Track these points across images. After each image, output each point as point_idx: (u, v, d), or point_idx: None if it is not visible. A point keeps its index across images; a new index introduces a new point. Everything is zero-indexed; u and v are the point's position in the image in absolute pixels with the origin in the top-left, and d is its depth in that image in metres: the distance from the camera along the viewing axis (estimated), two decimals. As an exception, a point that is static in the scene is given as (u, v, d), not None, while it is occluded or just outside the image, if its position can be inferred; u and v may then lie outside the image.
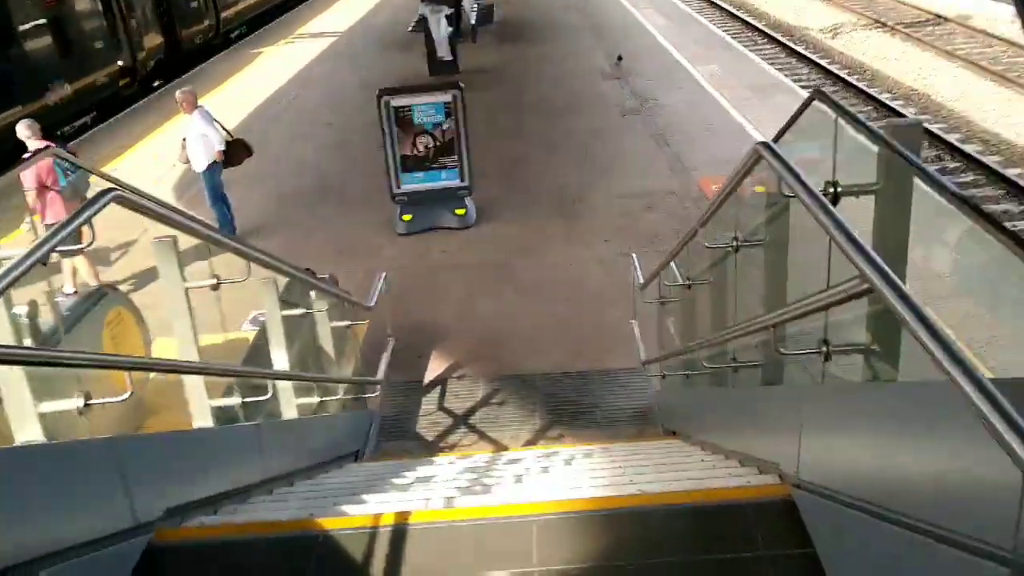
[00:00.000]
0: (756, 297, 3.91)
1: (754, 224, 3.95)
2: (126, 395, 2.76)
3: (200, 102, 10.11)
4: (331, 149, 13.82)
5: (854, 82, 18.18)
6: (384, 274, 7.55)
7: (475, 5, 22.41)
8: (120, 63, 17.90)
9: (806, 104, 3.48)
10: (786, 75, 17.77)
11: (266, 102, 17.11)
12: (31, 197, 8.17)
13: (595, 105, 15.10)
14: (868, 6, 25.63)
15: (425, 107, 10.01)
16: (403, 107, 9.98)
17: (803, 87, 17.13)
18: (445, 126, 10.09)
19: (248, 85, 18.71)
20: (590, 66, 17.83)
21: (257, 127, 15.23)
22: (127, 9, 18.10)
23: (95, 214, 2.62)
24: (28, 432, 3.09)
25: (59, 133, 15.46)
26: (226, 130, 10.13)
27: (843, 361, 2.85)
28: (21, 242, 9.06)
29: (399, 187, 10.36)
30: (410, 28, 20.50)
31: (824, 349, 2.74)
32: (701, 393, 5.23)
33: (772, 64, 19.21)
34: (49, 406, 2.99)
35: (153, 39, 19.44)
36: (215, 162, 9.88)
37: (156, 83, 19.37)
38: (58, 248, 2.45)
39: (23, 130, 8.68)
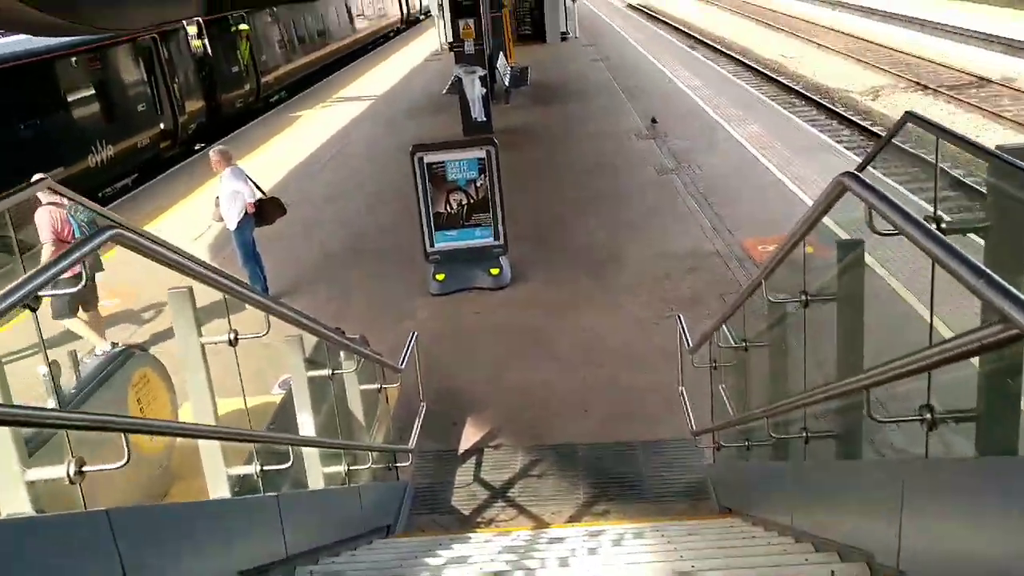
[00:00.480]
0: (828, 358, 3.51)
1: (822, 277, 3.57)
2: (122, 462, 2.42)
3: (235, 161, 9.99)
4: (366, 209, 13.68)
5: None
6: (415, 335, 7.21)
7: (508, 68, 22.53)
8: (161, 126, 18.11)
9: (898, 126, 3.13)
10: (828, 136, 17.47)
11: (303, 163, 17.14)
12: (47, 251, 7.95)
13: (631, 165, 14.87)
14: (908, 69, 25.41)
15: (459, 163, 9.79)
16: (437, 163, 9.77)
17: (847, 147, 16.84)
18: (479, 183, 9.86)
19: (286, 147, 18.81)
20: (625, 126, 17.68)
21: (294, 187, 15.20)
22: (170, 74, 18.39)
23: (91, 251, 2.32)
24: (15, 502, 2.75)
25: (99, 195, 15.56)
26: (259, 188, 9.98)
27: (945, 430, 2.45)
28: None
29: (432, 246, 10.10)
30: (444, 91, 20.60)
31: (928, 416, 2.33)
32: (763, 466, 4.77)
33: (813, 125, 18.95)
34: (36, 473, 2.66)
35: (195, 103, 19.71)
36: (246, 219, 9.72)
37: (197, 145, 19.58)
38: (49, 291, 2.14)
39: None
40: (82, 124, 15.35)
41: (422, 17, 46.81)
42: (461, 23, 16.46)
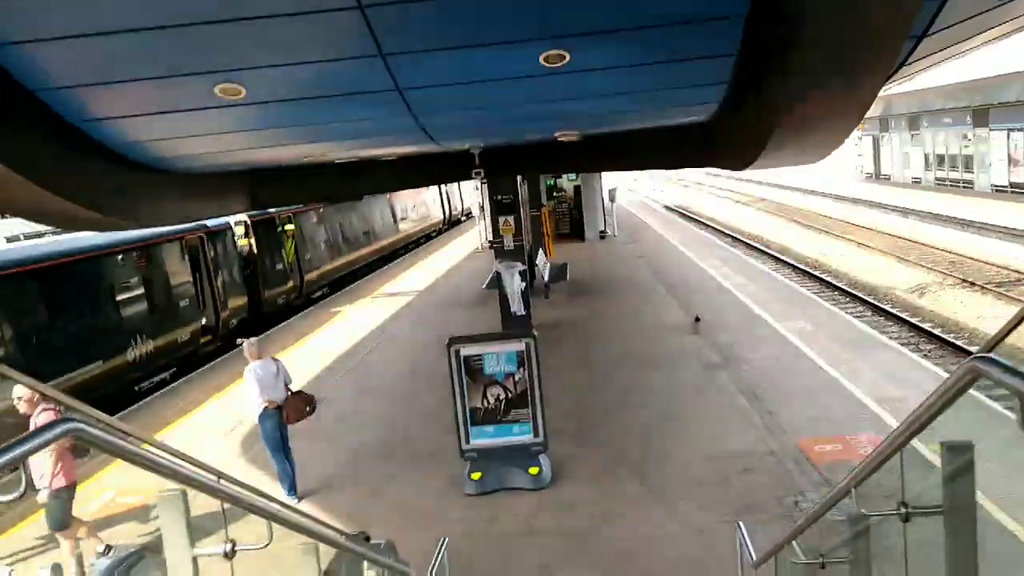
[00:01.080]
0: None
1: (922, 485, 3.01)
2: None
3: (266, 355, 9.75)
4: (401, 403, 13.28)
5: (951, 339, 17.28)
6: (446, 542, 6.56)
7: (548, 263, 22.72)
8: (203, 321, 18.23)
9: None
10: (879, 332, 17.00)
11: (340, 357, 16.97)
12: (44, 495, 7.16)
13: (674, 360, 14.41)
14: (951, 268, 25.19)
15: (496, 356, 9.43)
16: (474, 356, 9.42)
17: (901, 343, 16.31)
18: (517, 376, 9.45)
19: (325, 341, 18.75)
20: (666, 321, 17.40)
21: (330, 380, 14.97)
22: (215, 271, 18.73)
23: (39, 447, 1.88)
24: None
25: (136, 388, 15.41)
26: (286, 384, 9.66)
27: None
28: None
29: (468, 442, 9.57)
30: (484, 286, 20.70)
31: None
32: None
33: (860, 320, 18.53)
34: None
35: (238, 300, 19.95)
36: (267, 413, 9.36)
37: (238, 340, 19.62)
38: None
39: (20, 392, 7.26)
40: (125, 319, 15.46)
41: (463, 218, 48.42)
42: (501, 220, 16.65)
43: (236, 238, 20.58)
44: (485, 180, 13.04)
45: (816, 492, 8.73)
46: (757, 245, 34.98)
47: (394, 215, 35.54)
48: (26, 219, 7.62)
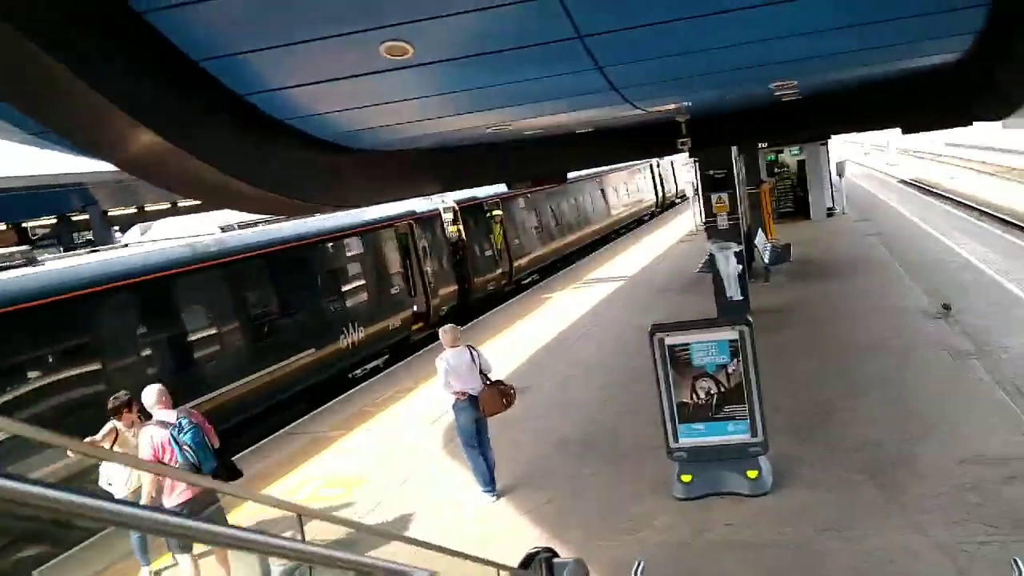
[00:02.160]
0: None
1: None
2: None
3: (460, 342, 9.36)
4: (606, 394, 12.60)
5: None
6: (642, 566, 5.78)
7: (767, 245, 21.13)
8: (415, 308, 18.46)
9: None
10: None
11: (546, 345, 16.56)
12: (146, 480, 7.39)
13: (914, 347, 12.69)
14: None
15: (706, 346, 8.48)
16: (679, 346, 8.53)
17: None
18: (731, 368, 8.45)
19: (533, 328, 18.43)
20: (904, 304, 15.49)
21: (534, 369, 14.58)
22: (424, 257, 18.92)
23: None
24: None
25: (350, 376, 15.78)
26: (483, 374, 9.23)
27: None
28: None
29: (676, 441, 8.70)
30: (697, 269, 19.54)
31: None
32: None
33: None
34: None
35: (447, 287, 20.09)
36: (460, 403, 8.98)
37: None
38: None
39: (150, 397, 7.48)
40: (339, 306, 15.86)
41: (678, 200, 46.90)
42: (714, 197, 15.48)
43: (445, 224, 20.74)
44: (694, 154, 12.04)
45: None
46: (1007, 218, 31.07)
47: (605, 198, 34.88)
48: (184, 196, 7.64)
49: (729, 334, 8.44)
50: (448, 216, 21.01)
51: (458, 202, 21.17)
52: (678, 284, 20.98)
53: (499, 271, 23.17)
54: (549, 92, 6.79)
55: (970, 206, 36.28)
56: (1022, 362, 11.27)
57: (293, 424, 13.38)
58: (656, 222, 40.80)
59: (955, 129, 11.64)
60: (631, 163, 39.04)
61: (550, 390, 13.24)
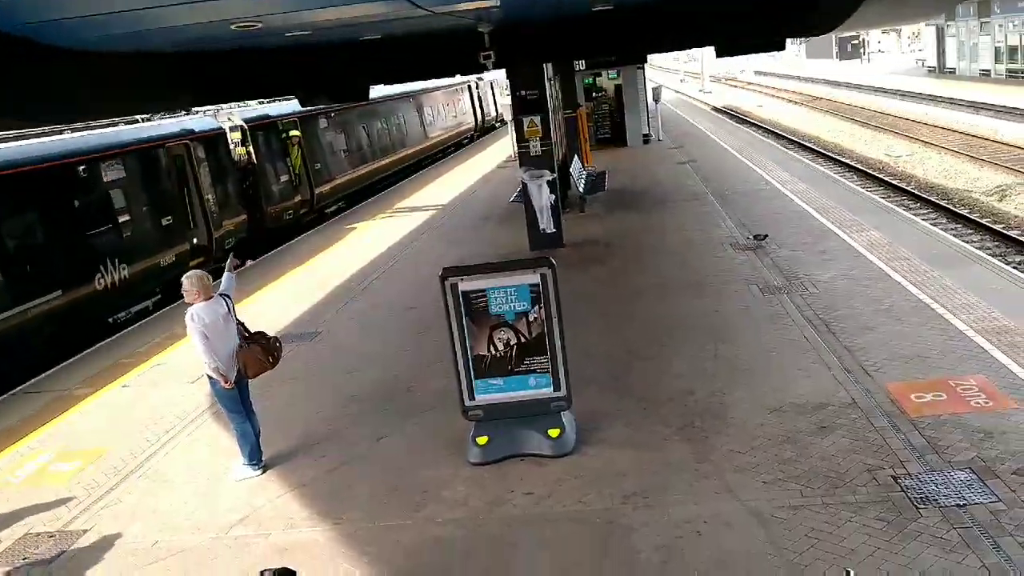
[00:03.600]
0: None
1: None
2: None
3: (214, 291, 7.74)
4: (407, 340, 11.34)
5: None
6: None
7: (583, 172, 20.39)
8: (194, 241, 16.40)
9: None
10: (963, 242, 14.63)
11: (344, 284, 15.05)
12: None
13: (727, 283, 12.22)
14: (1034, 165, 22.45)
15: (504, 291, 7.37)
16: (475, 292, 7.38)
17: (991, 255, 13.97)
18: (532, 316, 7.40)
19: (332, 263, 16.85)
20: (718, 236, 15.13)
21: (326, 311, 13.13)
22: (204, 185, 16.75)
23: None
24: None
25: (111, 320, 13.76)
26: (245, 329, 7.72)
27: None
28: None
29: (472, 398, 7.61)
30: (512, 199, 18.52)
31: None
32: None
33: (939, 229, 16.15)
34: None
35: (234, 216, 18.02)
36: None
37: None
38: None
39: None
40: (92, 241, 13.57)
41: (498, 124, 45.80)
42: (526, 120, 14.37)
43: (232, 145, 18.47)
44: (499, 69, 10.79)
45: (920, 464, 6.66)
46: (814, 147, 32.13)
47: (421, 120, 33.17)
48: None
49: (530, 278, 7.35)
50: (236, 136, 18.71)
51: (248, 120, 18.94)
52: (496, 213, 19.93)
53: (298, 199, 21.19)
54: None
55: (778, 134, 37.36)
56: (831, 298, 10.97)
57: (34, 380, 11.33)
58: (475, 146, 39.56)
59: (765, 56, 11.11)
60: (449, 83, 37.39)
61: (344, 337, 11.86)
